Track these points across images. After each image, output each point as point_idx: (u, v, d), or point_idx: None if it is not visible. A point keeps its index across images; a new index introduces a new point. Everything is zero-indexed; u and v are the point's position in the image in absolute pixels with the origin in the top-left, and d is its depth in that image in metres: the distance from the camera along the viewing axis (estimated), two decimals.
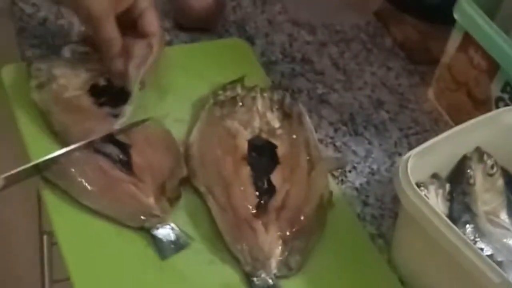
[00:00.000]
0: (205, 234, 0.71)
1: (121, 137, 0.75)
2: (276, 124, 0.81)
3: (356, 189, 0.80)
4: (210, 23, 0.93)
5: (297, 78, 0.92)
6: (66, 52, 0.81)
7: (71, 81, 0.79)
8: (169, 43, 0.91)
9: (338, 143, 0.85)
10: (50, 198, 0.70)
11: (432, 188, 0.71)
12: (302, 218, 0.72)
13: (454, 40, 0.89)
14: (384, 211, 0.78)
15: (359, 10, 1.06)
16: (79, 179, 0.70)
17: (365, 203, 0.78)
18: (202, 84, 0.85)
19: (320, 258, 0.71)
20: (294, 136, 0.80)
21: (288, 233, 0.70)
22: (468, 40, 0.86)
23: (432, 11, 1.06)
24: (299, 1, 1.04)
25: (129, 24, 0.79)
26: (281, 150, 0.79)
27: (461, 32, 0.87)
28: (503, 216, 0.76)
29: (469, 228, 0.71)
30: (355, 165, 0.83)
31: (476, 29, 0.83)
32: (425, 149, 0.69)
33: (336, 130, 0.86)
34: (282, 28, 0.99)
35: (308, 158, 0.78)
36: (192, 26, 0.93)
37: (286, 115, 0.82)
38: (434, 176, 0.73)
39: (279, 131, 0.80)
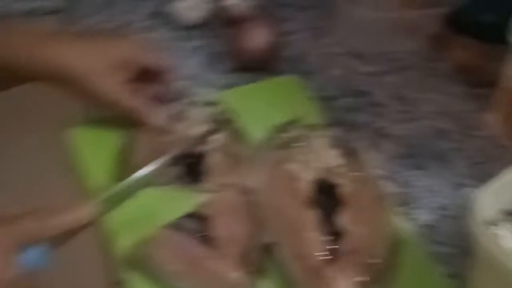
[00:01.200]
0: None
1: (198, 210, 0.75)
2: (337, 162, 0.80)
3: (423, 226, 0.78)
4: (265, 62, 0.93)
5: (355, 112, 0.91)
6: None
7: None
8: (228, 86, 0.92)
9: (400, 178, 0.83)
10: (133, 280, 0.70)
11: (503, 225, 0.69)
12: (375, 260, 0.70)
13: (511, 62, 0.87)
14: (454, 249, 0.76)
15: (413, 34, 1.05)
16: (161, 260, 0.70)
17: (433, 241, 0.77)
18: (258, 126, 0.84)
19: None
20: (356, 174, 0.79)
21: (362, 278, 0.69)
22: None
23: (490, 31, 1.03)
24: (354, 31, 1.03)
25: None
26: (345, 189, 0.77)
27: None
28: None
29: None
30: (420, 200, 0.81)
31: None
32: (496, 185, 0.67)
33: (398, 165, 0.85)
34: (338, 60, 0.99)
35: (372, 196, 0.77)
36: (248, 68, 0.93)
37: (346, 153, 0.81)
38: (506, 212, 0.71)
39: (340, 170, 0.79)
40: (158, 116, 0.81)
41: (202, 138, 0.81)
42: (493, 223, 0.68)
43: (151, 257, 0.70)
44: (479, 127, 0.92)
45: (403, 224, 0.77)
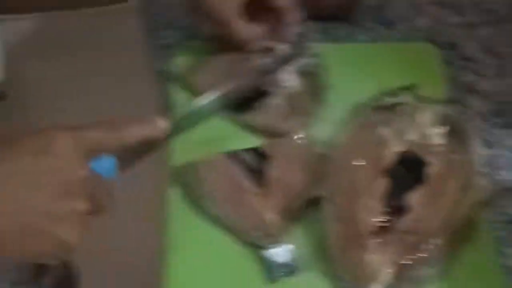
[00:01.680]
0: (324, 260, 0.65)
1: (263, 147, 0.73)
2: (437, 140, 0.72)
3: (507, 189, 0.71)
4: (344, 11, 0.87)
5: (444, 66, 0.84)
6: None
7: None
8: (302, 36, 0.86)
9: (488, 137, 0.76)
10: (175, 194, 0.71)
11: None
12: (430, 247, 0.64)
13: None
14: None
15: None
16: (206, 181, 0.70)
17: None
18: (373, 86, 0.78)
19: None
20: (454, 157, 0.71)
21: (405, 261, 0.63)
22: None
23: None
24: None
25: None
26: (433, 169, 0.70)
27: None
28: None
29: None
30: (507, 161, 0.74)
31: None
32: None
33: (486, 122, 0.78)
34: (425, 10, 0.91)
35: (462, 185, 0.69)
36: (325, 16, 0.87)
37: (452, 132, 0.73)
38: None
39: (438, 149, 0.72)
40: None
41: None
42: None
43: (200, 177, 0.70)
44: None
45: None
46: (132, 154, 0.61)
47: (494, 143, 0.76)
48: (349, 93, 0.78)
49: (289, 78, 0.78)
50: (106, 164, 0.57)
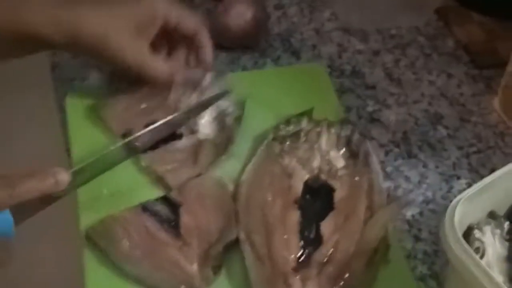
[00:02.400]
0: None
1: (172, 194, 0.71)
2: (340, 163, 0.74)
3: (408, 221, 0.73)
4: (250, 41, 0.88)
5: (345, 95, 0.85)
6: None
7: None
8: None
9: (388, 168, 0.78)
10: (90, 258, 0.66)
11: (487, 229, 0.64)
12: (347, 275, 0.64)
13: None
14: (438, 247, 0.71)
15: (418, 10, 0.98)
16: (122, 240, 0.66)
17: (417, 238, 0.72)
18: (269, 116, 0.78)
19: None
20: (357, 178, 0.72)
21: None
22: None
23: (501, 6, 0.96)
24: (351, 5, 0.96)
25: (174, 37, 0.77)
26: (340, 193, 0.71)
27: None
28: None
29: None
30: (408, 193, 0.76)
31: None
32: (479, 191, 0.61)
33: (387, 153, 0.80)
34: (330, 37, 0.93)
35: (368, 204, 0.70)
36: (231, 46, 0.88)
37: (352, 154, 0.75)
38: (491, 214, 0.65)
39: (341, 172, 0.73)
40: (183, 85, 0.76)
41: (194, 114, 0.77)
42: (474, 227, 0.62)
43: (113, 237, 0.66)
44: (480, 112, 0.85)
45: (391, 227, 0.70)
46: (28, 208, 0.58)
47: (393, 174, 0.78)
48: (253, 123, 0.78)
49: (204, 124, 0.77)
50: (1, 222, 0.56)
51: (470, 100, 0.87)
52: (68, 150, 0.75)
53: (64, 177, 0.59)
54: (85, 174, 0.65)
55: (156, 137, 0.74)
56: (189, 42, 0.78)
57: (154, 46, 0.76)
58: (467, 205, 0.59)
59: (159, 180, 0.73)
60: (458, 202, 0.58)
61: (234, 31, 0.85)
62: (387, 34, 0.94)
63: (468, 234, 0.62)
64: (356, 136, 0.76)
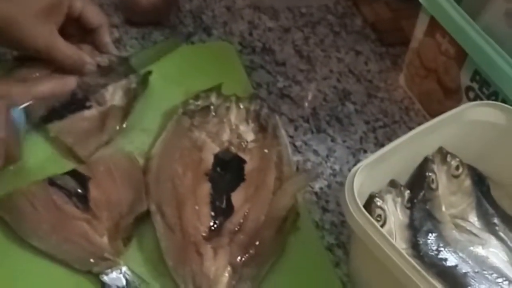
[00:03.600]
0: (163, 275, 0.64)
1: (81, 168, 0.70)
2: (249, 137, 0.75)
3: (316, 193, 0.75)
4: (161, 17, 0.87)
5: (256, 71, 0.86)
6: None
7: None
8: (119, 40, 0.85)
9: (298, 143, 0.79)
10: None
11: (389, 197, 0.66)
12: (257, 243, 0.65)
13: (422, 23, 0.82)
14: (344, 217, 0.73)
15: None
16: (28, 214, 0.64)
17: (324, 209, 0.73)
18: (178, 92, 0.79)
19: (275, 279, 0.65)
20: (266, 151, 0.74)
21: (238, 260, 0.64)
22: (434, 24, 0.79)
23: None
24: None
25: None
26: (250, 166, 0.73)
27: (428, 15, 0.80)
28: (472, 218, 0.71)
29: (432, 237, 0.66)
30: (316, 166, 0.77)
31: (441, 13, 0.76)
32: (378, 158, 0.63)
33: (296, 128, 0.81)
34: (242, 14, 0.93)
35: (277, 175, 0.72)
36: (141, 21, 0.87)
37: (261, 128, 0.76)
38: (392, 183, 0.68)
39: (250, 145, 0.75)
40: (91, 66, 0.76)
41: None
42: (375, 195, 0.64)
43: (20, 211, 0.65)
44: (386, 88, 0.88)
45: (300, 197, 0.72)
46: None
47: (302, 148, 0.79)
48: (163, 99, 0.78)
49: (111, 94, 0.77)
50: (16, 114, 0.66)
51: (377, 77, 0.89)
52: None
53: (71, 81, 0.73)
54: None
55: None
56: (93, 37, 0.78)
57: (63, 35, 0.75)
58: (367, 174, 0.60)
59: (69, 151, 0.72)
60: (357, 170, 0.59)
61: (145, 6, 0.85)
62: (298, 12, 0.95)
63: (369, 203, 0.63)
64: (264, 111, 0.77)
